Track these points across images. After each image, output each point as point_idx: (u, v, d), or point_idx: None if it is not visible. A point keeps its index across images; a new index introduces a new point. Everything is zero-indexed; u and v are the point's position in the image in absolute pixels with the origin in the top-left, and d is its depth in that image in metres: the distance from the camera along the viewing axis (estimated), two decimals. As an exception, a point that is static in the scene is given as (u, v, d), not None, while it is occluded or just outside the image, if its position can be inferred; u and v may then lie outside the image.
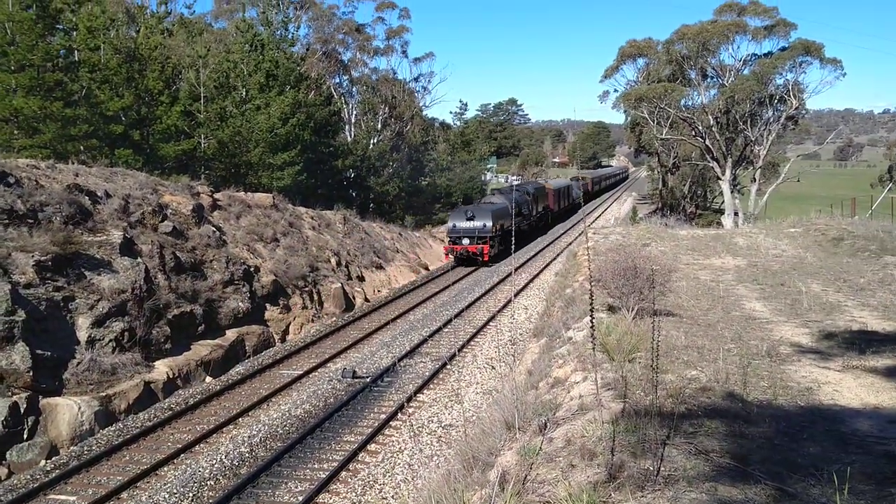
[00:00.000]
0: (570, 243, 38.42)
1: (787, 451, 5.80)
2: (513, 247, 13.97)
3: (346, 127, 53.44)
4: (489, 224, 34.69)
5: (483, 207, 36.65)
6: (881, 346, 9.50)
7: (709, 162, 43.95)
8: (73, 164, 21.06)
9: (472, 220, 34.94)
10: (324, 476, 11.93)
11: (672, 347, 9.45)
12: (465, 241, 34.55)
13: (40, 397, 13.40)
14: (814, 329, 10.89)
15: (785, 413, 6.84)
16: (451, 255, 35.55)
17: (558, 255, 37.02)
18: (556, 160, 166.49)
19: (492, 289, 28.42)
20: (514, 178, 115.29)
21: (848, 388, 7.80)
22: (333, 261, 27.66)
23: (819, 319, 11.66)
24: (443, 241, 38.64)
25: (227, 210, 24.84)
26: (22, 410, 12.82)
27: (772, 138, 41.68)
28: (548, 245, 42.05)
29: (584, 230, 18.35)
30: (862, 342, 9.67)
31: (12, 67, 23.72)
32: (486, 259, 34.53)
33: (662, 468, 5.33)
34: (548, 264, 34.09)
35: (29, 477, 12.13)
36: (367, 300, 27.51)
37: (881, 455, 5.71)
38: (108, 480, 11.88)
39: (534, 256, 37.49)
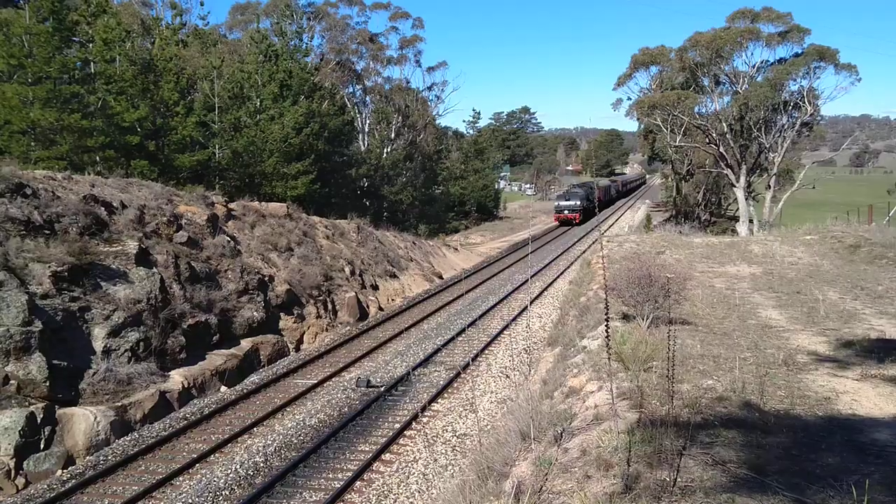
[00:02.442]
0: (605, 231, 46.25)
1: (805, 462, 5.74)
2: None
3: (360, 136, 53.64)
4: (578, 203, 62.38)
5: (573, 193, 65.17)
6: (900, 354, 9.39)
7: (723, 169, 43.75)
8: (89, 175, 21.24)
9: (568, 200, 63.39)
10: (338, 486, 11.92)
11: (687, 356, 9.39)
12: (566, 212, 62.24)
13: (57, 407, 13.47)
14: (831, 337, 10.79)
15: (803, 423, 6.78)
16: (557, 220, 62.41)
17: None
18: (570, 168, 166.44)
19: (506, 297, 28.39)
20: (528, 186, 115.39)
21: (866, 397, 7.71)
22: (347, 270, 27.71)
23: (836, 328, 11.56)
24: (457, 250, 45.65)
25: (242, 220, 24.96)
26: (39, 420, 12.89)
27: (786, 145, 41.43)
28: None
29: (598, 238, 18.30)
30: (881, 351, 9.57)
31: (29, 80, 23.96)
32: (577, 221, 61.04)
33: (679, 479, 5.29)
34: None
35: (45, 487, 12.19)
36: (381, 309, 27.53)
37: (901, 466, 5.64)
38: (124, 490, 11.92)
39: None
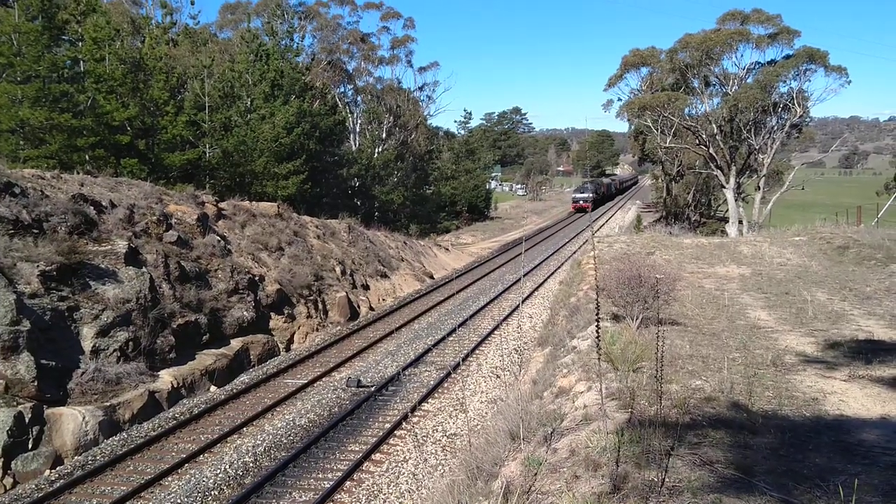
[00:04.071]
0: (596, 231, 49.87)
1: (792, 462, 5.77)
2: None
3: (351, 136, 53.55)
4: (590, 195, 78.12)
5: (585, 187, 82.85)
6: (888, 355, 9.47)
7: (713, 170, 43.91)
8: (78, 174, 21.14)
9: (583, 193, 79.51)
10: (328, 486, 11.90)
11: (676, 357, 9.43)
12: (581, 202, 76.99)
13: (45, 407, 13.39)
14: (819, 338, 10.85)
15: (790, 423, 6.82)
16: (574, 209, 77.02)
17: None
18: (561, 169, 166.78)
19: (497, 297, 28.41)
20: (519, 186, 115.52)
21: (854, 397, 7.77)
22: (338, 269, 27.67)
23: (824, 328, 11.63)
24: (448, 249, 45.91)
25: (232, 219, 24.88)
26: (27, 420, 12.82)
27: (776, 146, 41.59)
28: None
29: (589, 239, 18.35)
30: (868, 351, 9.64)
31: (19, 78, 23.83)
32: (589, 210, 74.03)
33: (667, 479, 5.31)
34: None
35: (33, 487, 12.12)
36: (371, 309, 27.51)
37: (888, 466, 5.69)
38: (112, 490, 11.86)
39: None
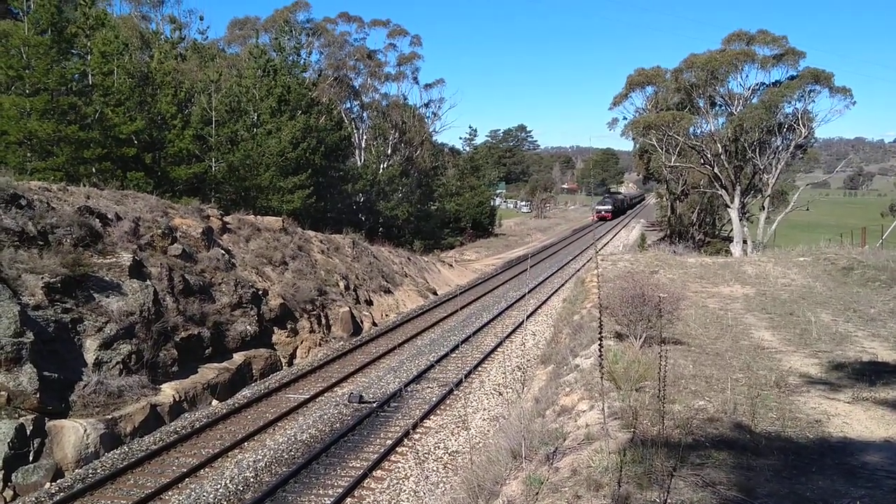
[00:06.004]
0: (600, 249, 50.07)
1: (795, 485, 5.74)
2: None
3: (357, 151, 53.78)
4: (610, 207, 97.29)
5: (606, 201, 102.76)
6: (892, 377, 9.43)
7: (717, 190, 43.90)
8: (84, 186, 21.21)
9: (604, 205, 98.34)
10: (329, 503, 11.85)
11: (680, 376, 9.40)
12: (602, 212, 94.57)
13: (47, 419, 13.39)
14: (823, 359, 10.81)
15: (794, 445, 6.78)
16: (597, 218, 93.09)
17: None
18: (565, 186, 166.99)
19: (500, 314, 28.37)
20: (523, 203, 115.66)
21: (858, 420, 7.73)
22: (342, 284, 27.69)
23: (828, 350, 11.58)
24: (451, 266, 45.84)
25: (237, 233, 24.94)
26: (28, 432, 12.81)
27: (781, 167, 41.60)
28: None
29: (593, 256, 18.36)
30: (872, 373, 9.59)
31: (27, 91, 24.01)
32: (609, 219, 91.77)
33: (669, 500, 5.28)
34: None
35: (33, 499, 12.09)
36: (374, 324, 27.48)
37: (892, 489, 5.65)
38: (112, 504, 11.84)
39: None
